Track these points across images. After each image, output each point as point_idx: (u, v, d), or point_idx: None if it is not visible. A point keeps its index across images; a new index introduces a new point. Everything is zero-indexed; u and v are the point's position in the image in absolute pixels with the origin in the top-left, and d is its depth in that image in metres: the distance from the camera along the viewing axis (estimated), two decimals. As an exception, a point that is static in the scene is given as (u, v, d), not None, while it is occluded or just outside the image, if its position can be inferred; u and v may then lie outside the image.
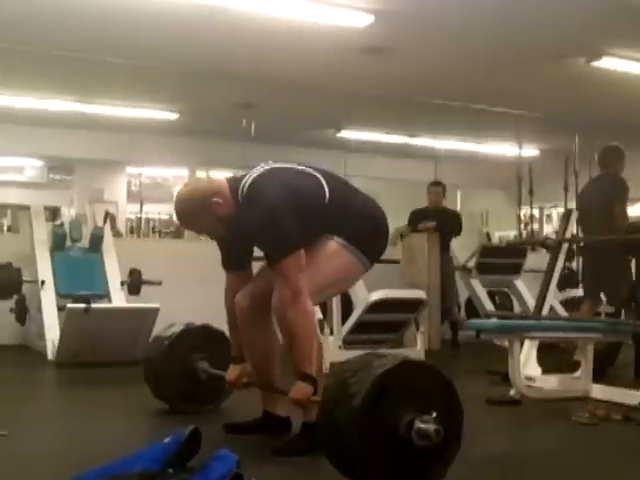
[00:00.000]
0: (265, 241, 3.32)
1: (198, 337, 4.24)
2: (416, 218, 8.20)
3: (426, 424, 2.67)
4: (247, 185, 3.33)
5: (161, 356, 4.17)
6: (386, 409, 2.69)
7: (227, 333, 3.88)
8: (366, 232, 3.50)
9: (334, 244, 3.42)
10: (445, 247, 7.97)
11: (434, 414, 2.69)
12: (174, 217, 3.45)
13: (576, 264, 8.50)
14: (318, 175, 3.47)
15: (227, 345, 3.88)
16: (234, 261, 3.66)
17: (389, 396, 2.70)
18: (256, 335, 3.59)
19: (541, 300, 5.79)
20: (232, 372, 3.73)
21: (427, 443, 2.67)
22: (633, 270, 5.71)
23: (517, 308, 8.32)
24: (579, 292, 8.14)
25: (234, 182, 3.39)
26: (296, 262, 3.23)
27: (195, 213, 3.38)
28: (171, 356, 4.14)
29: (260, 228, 3.26)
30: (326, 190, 3.41)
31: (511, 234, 12.09)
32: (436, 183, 8.33)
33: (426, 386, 2.81)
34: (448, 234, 8.07)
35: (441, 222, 7.97)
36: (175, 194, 3.51)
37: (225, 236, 3.56)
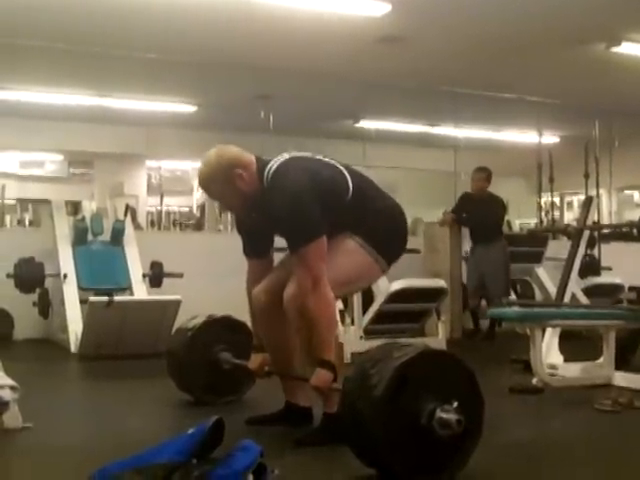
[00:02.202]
0: (288, 227, 3.29)
1: (220, 328, 4.25)
2: (463, 204, 8.03)
3: (447, 414, 2.68)
4: (272, 170, 3.33)
5: (184, 348, 4.19)
6: (407, 399, 2.69)
7: (249, 323, 3.89)
8: (385, 234, 3.49)
9: (352, 243, 3.41)
10: (492, 235, 7.78)
11: (455, 404, 2.69)
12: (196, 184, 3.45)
13: (597, 251, 8.48)
14: (342, 168, 3.47)
15: (249, 336, 3.89)
16: (255, 248, 3.66)
17: (410, 386, 2.70)
18: (275, 329, 3.59)
19: (562, 288, 5.78)
20: (254, 361, 3.73)
21: (449, 432, 2.68)
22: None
23: (538, 296, 8.28)
24: (600, 279, 8.14)
25: (261, 164, 3.39)
26: (318, 249, 3.23)
27: (217, 178, 3.37)
28: (194, 348, 4.15)
29: (284, 213, 3.25)
30: (350, 183, 3.41)
31: (532, 222, 12.04)
32: (480, 169, 7.97)
33: (447, 375, 2.81)
34: (495, 222, 7.91)
35: (486, 210, 7.80)
36: (204, 156, 3.48)
37: (246, 221, 3.57)
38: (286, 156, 3.42)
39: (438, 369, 2.81)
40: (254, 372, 3.78)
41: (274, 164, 3.35)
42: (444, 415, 2.68)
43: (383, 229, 3.48)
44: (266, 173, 3.34)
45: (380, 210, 3.50)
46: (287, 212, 3.24)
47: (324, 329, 3.24)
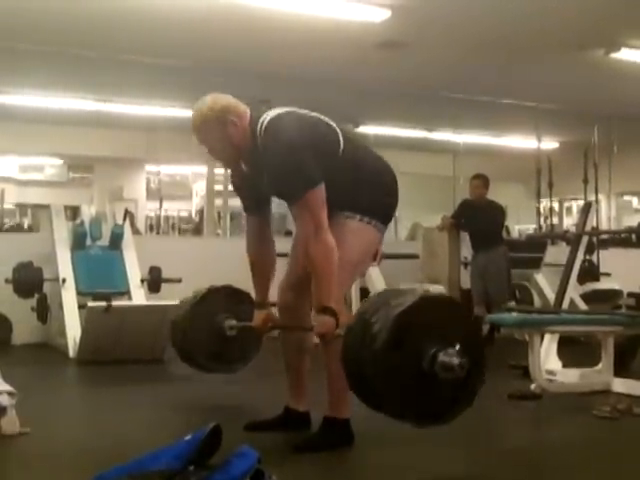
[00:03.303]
0: (286, 177, 3.24)
1: (223, 297, 4.22)
2: (462, 210, 8.04)
3: (449, 357, 2.70)
4: (266, 121, 3.31)
5: (187, 317, 4.17)
6: (409, 346, 2.71)
7: (252, 294, 3.87)
8: (378, 199, 3.48)
9: (354, 223, 3.40)
10: (492, 242, 7.78)
11: (457, 347, 2.71)
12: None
13: (596, 257, 8.48)
14: (333, 124, 3.48)
15: (252, 305, 3.86)
16: (253, 203, 3.64)
17: (411, 333, 2.72)
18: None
19: (561, 294, 5.77)
20: (258, 318, 3.70)
21: (452, 376, 2.70)
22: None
23: (537, 302, 8.28)
24: (599, 285, 8.13)
25: (254, 116, 3.37)
26: (318, 196, 3.22)
27: (209, 122, 3.36)
28: (197, 316, 4.13)
29: (280, 163, 3.22)
30: (341, 138, 3.42)
31: (531, 227, 12.04)
32: (477, 176, 7.98)
33: (447, 320, 2.83)
34: (496, 228, 7.92)
35: (486, 216, 7.81)
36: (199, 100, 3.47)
37: (241, 177, 3.58)
38: (278, 110, 3.39)
39: (438, 314, 2.83)
40: (258, 329, 3.74)
41: (267, 117, 3.33)
42: (446, 359, 2.70)
43: (376, 195, 3.47)
44: (259, 126, 3.31)
45: (370, 173, 3.48)
46: (284, 161, 3.21)
47: (326, 276, 3.21)
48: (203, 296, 4.21)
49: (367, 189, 3.45)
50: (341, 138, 3.42)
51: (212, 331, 4.10)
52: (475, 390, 2.84)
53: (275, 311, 3.72)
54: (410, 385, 2.72)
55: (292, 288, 3.63)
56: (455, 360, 2.69)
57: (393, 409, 2.74)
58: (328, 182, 3.26)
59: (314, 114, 3.50)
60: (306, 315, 3.57)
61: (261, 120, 3.32)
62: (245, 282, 3.87)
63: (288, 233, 8.49)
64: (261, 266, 3.67)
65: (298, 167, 3.21)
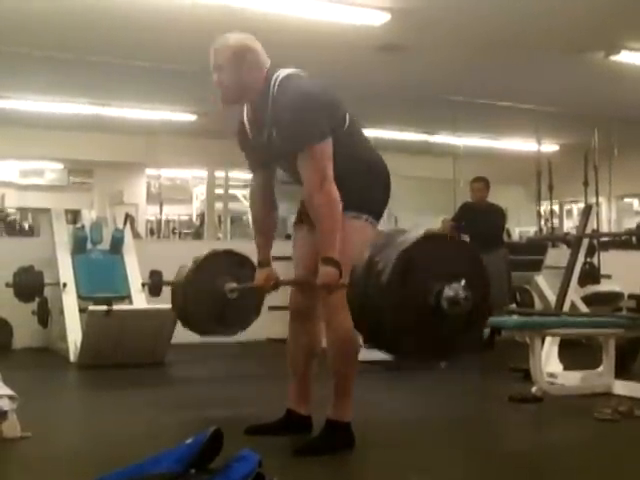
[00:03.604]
0: (299, 125, 3.26)
1: (224, 261, 4.21)
2: (463, 213, 8.02)
3: (455, 291, 2.71)
4: (282, 75, 3.36)
5: (188, 280, 4.16)
6: (414, 282, 2.72)
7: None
8: (371, 192, 3.48)
9: (354, 222, 3.38)
10: (493, 244, 7.78)
11: (463, 282, 2.73)
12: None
13: (597, 259, 8.48)
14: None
15: (252, 269, 3.87)
16: (260, 160, 3.63)
17: (416, 269, 2.73)
18: (303, 331, 3.64)
19: (562, 296, 5.78)
20: (260, 276, 3.68)
21: (457, 310, 2.72)
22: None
23: (538, 304, 8.28)
24: (600, 287, 8.12)
25: (270, 70, 3.41)
26: (326, 149, 3.25)
27: (229, 52, 3.43)
28: (198, 279, 4.12)
29: (295, 111, 3.24)
30: (347, 115, 3.45)
31: (531, 230, 12.04)
32: (478, 179, 7.99)
33: (451, 256, 2.85)
34: (496, 231, 7.92)
35: (487, 219, 7.82)
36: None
37: (247, 138, 3.59)
38: (291, 69, 3.44)
39: (442, 251, 2.85)
40: (260, 287, 3.71)
41: (281, 73, 3.38)
42: (452, 292, 2.71)
43: (371, 192, 3.48)
44: (272, 81, 3.35)
45: (366, 166, 3.48)
46: (299, 109, 3.25)
47: (330, 226, 3.22)
48: (204, 259, 4.21)
49: (363, 183, 3.45)
50: (347, 115, 3.47)
51: (212, 294, 4.07)
52: (482, 325, 2.89)
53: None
54: (417, 320, 2.73)
55: (300, 291, 3.63)
56: (461, 293, 2.70)
57: (400, 345, 2.75)
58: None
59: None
60: (318, 318, 3.57)
61: (275, 76, 3.37)
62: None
63: (288, 236, 8.48)
64: (264, 223, 3.69)
65: (312, 117, 3.25)
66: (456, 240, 2.96)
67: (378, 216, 3.53)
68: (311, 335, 3.65)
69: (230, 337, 4.54)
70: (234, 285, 4.04)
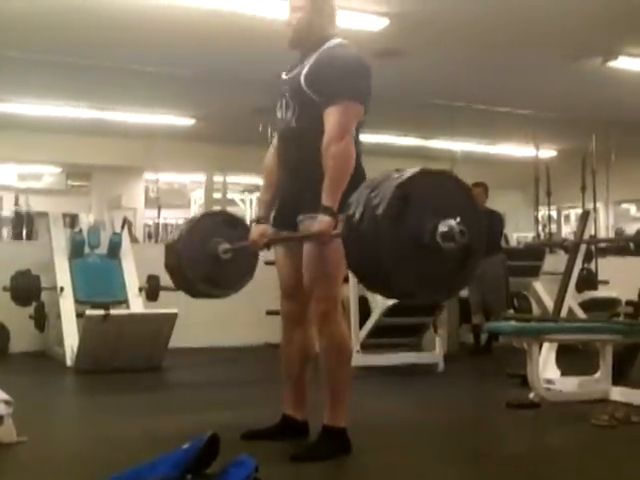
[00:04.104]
0: (347, 75, 3.33)
1: (219, 222, 4.18)
2: None
3: (449, 226, 2.73)
4: (338, 41, 3.47)
5: (182, 240, 4.12)
6: (410, 216, 2.74)
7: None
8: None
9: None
10: (490, 249, 7.73)
11: (458, 218, 2.74)
12: None
13: (594, 265, 8.48)
14: None
15: (246, 231, 3.88)
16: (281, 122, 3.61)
17: (412, 204, 2.74)
18: (296, 336, 3.64)
19: (560, 302, 5.77)
20: (255, 232, 3.68)
21: (452, 245, 2.73)
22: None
23: (536, 310, 8.28)
24: (597, 293, 8.12)
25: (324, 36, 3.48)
26: (359, 112, 3.35)
27: None
28: (192, 239, 4.09)
29: (348, 63, 3.36)
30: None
31: (529, 236, 12.04)
32: (477, 184, 8.00)
33: (447, 193, 2.86)
34: (495, 236, 7.92)
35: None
36: None
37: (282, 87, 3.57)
38: None
39: (438, 187, 2.87)
40: (253, 243, 3.69)
41: (335, 40, 3.47)
42: (447, 228, 2.73)
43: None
44: (334, 39, 3.47)
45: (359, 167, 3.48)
46: (352, 63, 3.37)
47: (337, 177, 3.23)
48: (198, 220, 4.21)
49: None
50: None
51: (206, 254, 4.05)
52: (476, 262, 2.89)
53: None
54: (412, 256, 2.74)
55: (289, 297, 3.63)
56: (456, 229, 2.72)
57: (395, 281, 2.74)
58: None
59: None
60: (309, 322, 3.57)
61: (336, 38, 3.48)
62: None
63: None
64: (272, 177, 3.67)
65: (361, 76, 3.37)
66: (452, 177, 2.95)
67: None
68: (304, 339, 3.65)
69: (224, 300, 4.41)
70: (227, 246, 4.03)
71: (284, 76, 3.58)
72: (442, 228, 2.72)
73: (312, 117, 3.32)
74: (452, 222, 2.73)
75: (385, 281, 2.77)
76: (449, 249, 2.73)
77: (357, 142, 3.49)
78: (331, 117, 3.27)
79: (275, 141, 3.68)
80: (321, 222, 3.19)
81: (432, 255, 2.74)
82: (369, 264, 2.78)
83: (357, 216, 2.76)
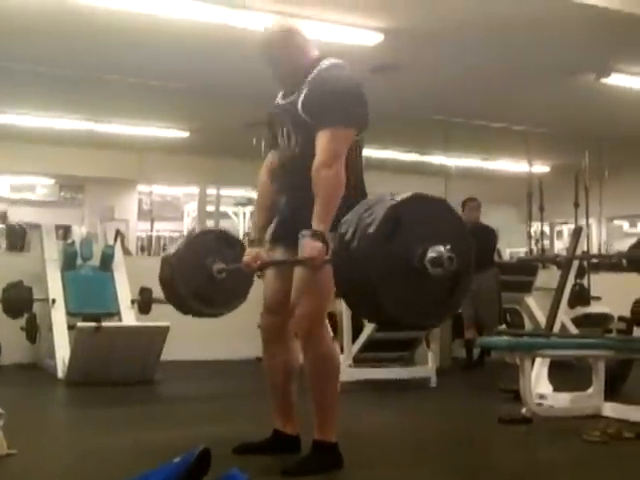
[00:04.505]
0: (338, 99, 3.30)
1: (216, 241, 4.17)
2: None
3: (439, 252, 2.73)
4: (330, 62, 3.43)
5: (178, 255, 4.12)
6: (400, 239, 2.74)
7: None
8: None
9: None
10: (484, 264, 7.77)
11: (448, 246, 2.75)
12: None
13: (587, 281, 8.49)
14: None
15: (243, 251, 3.84)
16: (275, 140, 3.62)
17: (403, 227, 2.74)
18: (278, 350, 3.62)
19: (552, 317, 5.77)
20: (248, 254, 3.64)
21: (440, 272, 2.73)
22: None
23: (528, 325, 8.28)
24: (590, 309, 8.12)
25: (313, 59, 3.47)
26: (349, 138, 3.33)
27: (281, 38, 3.53)
28: (188, 255, 4.08)
29: (340, 86, 3.32)
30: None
31: (522, 251, 12.05)
32: (471, 199, 8.08)
33: (439, 219, 2.87)
34: (488, 251, 7.94)
35: (479, 239, 7.82)
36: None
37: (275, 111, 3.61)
38: None
39: (430, 212, 2.87)
40: (247, 265, 3.65)
41: (327, 61, 3.44)
42: (436, 254, 2.73)
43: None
44: (326, 61, 3.43)
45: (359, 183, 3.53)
46: (344, 87, 3.34)
47: (327, 202, 3.22)
48: (196, 236, 4.20)
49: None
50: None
51: (200, 272, 4.04)
52: (463, 290, 2.89)
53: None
54: (401, 279, 2.73)
55: (271, 312, 3.60)
56: (445, 255, 2.72)
57: (383, 305, 2.73)
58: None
59: None
60: (290, 334, 3.55)
61: (327, 60, 3.44)
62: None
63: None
64: (266, 199, 3.67)
65: (352, 98, 3.34)
66: (444, 203, 2.96)
67: None
68: (287, 353, 3.62)
69: (218, 316, 4.42)
70: (222, 265, 4.02)
71: (280, 100, 3.59)
72: (431, 254, 2.72)
73: (314, 142, 3.31)
74: (442, 248, 2.73)
75: (372, 303, 2.76)
76: (437, 275, 2.73)
77: (358, 161, 3.51)
78: (321, 142, 3.27)
79: (268, 162, 3.69)
80: (312, 248, 3.17)
81: (420, 280, 2.74)
82: (357, 284, 2.77)
83: (349, 235, 2.76)
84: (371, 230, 2.69)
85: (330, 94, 3.31)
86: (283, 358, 3.64)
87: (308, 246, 3.18)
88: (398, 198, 2.80)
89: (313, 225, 3.20)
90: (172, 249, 4.26)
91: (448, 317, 2.86)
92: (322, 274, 3.22)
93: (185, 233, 14.66)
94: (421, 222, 2.81)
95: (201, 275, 4.05)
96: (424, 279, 2.74)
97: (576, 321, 7.52)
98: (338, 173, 3.25)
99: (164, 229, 14.70)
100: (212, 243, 4.16)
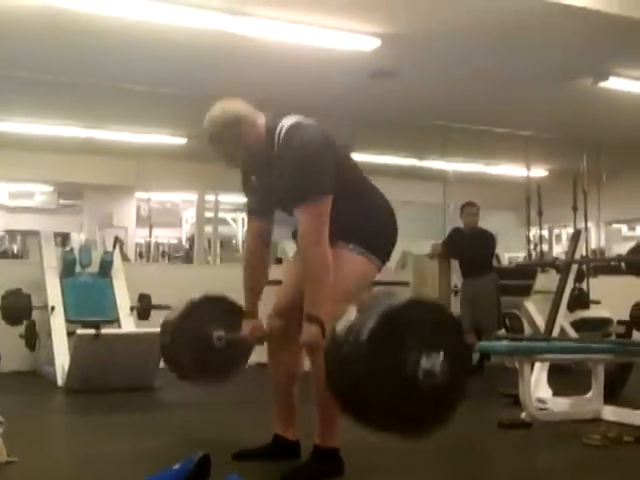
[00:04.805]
0: (304, 177, 3.27)
1: (214, 308, 4.15)
2: (452, 239, 8.11)
3: (432, 362, 2.67)
4: (287, 126, 3.35)
5: (176, 323, 4.10)
6: (393, 345, 2.68)
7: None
8: (376, 232, 3.51)
9: (348, 253, 3.40)
10: (482, 269, 7.83)
11: (441, 354, 2.69)
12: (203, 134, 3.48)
13: (586, 285, 8.49)
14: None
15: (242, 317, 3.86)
16: (259, 206, 3.63)
17: (396, 332, 2.69)
18: (284, 356, 3.62)
19: (551, 321, 5.78)
20: (246, 327, 3.67)
21: (432, 382, 2.67)
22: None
23: (527, 330, 8.28)
24: (589, 313, 8.12)
25: (272, 119, 3.41)
26: (327, 206, 3.25)
27: (223, 134, 3.38)
28: (186, 323, 4.07)
29: (301, 165, 3.26)
30: (352, 161, 3.51)
31: (520, 255, 12.06)
32: (470, 203, 8.10)
33: (434, 324, 2.80)
34: (487, 256, 7.96)
35: (478, 244, 7.86)
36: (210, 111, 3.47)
37: (251, 180, 3.58)
38: (294, 117, 3.43)
39: (425, 317, 2.80)
40: (246, 338, 3.70)
41: (285, 123, 3.37)
42: (429, 364, 2.67)
43: (374, 228, 3.50)
44: (277, 132, 3.35)
45: (371, 209, 3.51)
46: (305, 164, 3.26)
47: (319, 285, 3.22)
48: (194, 305, 4.17)
49: (365, 221, 3.48)
50: (352, 159, 3.56)
51: (200, 341, 4.03)
52: (456, 402, 2.82)
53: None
54: (391, 386, 2.68)
55: (280, 315, 3.62)
56: (437, 366, 2.67)
57: (370, 412, 2.70)
58: (333, 205, 3.29)
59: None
60: (295, 341, 3.55)
61: (279, 126, 3.37)
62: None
63: (279, 260, 8.48)
64: (254, 272, 3.66)
65: (318, 171, 3.27)
66: (441, 308, 2.91)
67: (384, 256, 3.54)
68: (291, 357, 3.63)
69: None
70: (222, 334, 4.02)
71: (255, 180, 3.57)
72: (425, 364, 2.67)
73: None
74: (435, 358, 2.68)
75: (360, 410, 2.73)
76: (429, 385, 2.68)
77: (361, 177, 3.54)
78: (302, 219, 3.27)
79: (254, 229, 3.66)
80: (309, 333, 3.19)
81: (411, 389, 2.69)
82: (346, 388, 2.74)
83: (341, 336, 2.72)
84: (363, 337, 2.64)
85: (297, 174, 3.28)
86: (287, 362, 3.64)
87: (305, 332, 3.20)
88: (393, 303, 2.75)
89: (307, 309, 3.22)
90: (172, 314, 4.23)
91: (437, 429, 2.78)
92: (337, 282, 3.23)
93: (184, 239, 14.74)
94: (415, 327, 2.74)
95: (201, 344, 4.04)
96: (416, 388, 2.68)
97: (575, 325, 7.51)
98: (324, 251, 3.24)
99: (163, 235, 14.71)
100: (211, 310, 4.15)
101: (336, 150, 3.42)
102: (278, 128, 3.36)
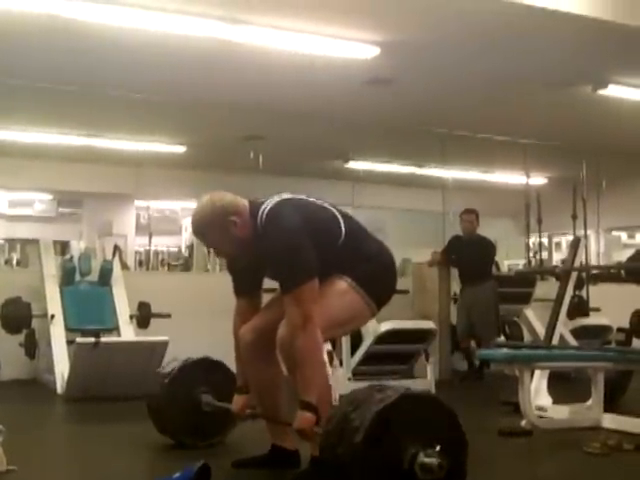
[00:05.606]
0: (282, 268, 3.29)
1: (199, 370, 4.21)
2: (451, 246, 8.12)
3: (429, 458, 2.63)
4: (266, 211, 3.34)
5: (163, 391, 4.15)
6: (389, 443, 2.64)
7: (228, 364, 3.85)
8: (375, 277, 3.49)
9: (344, 284, 3.41)
10: (481, 276, 7.84)
11: (438, 447, 2.65)
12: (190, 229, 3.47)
13: (586, 292, 8.49)
14: (335, 211, 3.51)
15: (228, 374, 3.91)
16: (245, 287, 3.65)
17: (391, 430, 2.65)
18: (261, 369, 3.60)
19: (551, 329, 5.77)
20: (237, 402, 3.70)
21: (431, 477, 2.63)
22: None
23: (527, 337, 8.28)
24: (589, 321, 8.12)
25: (254, 207, 3.39)
26: (311, 290, 3.23)
27: (212, 227, 3.37)
28: (173, 390, 4.12)
29: (278, 254, 3.26)
30: (342, 226, 3.44)
31: (520, 263, 12.05)
32: (468, 210, 8.11)
33: (429, 418, 2.77)
34: (485, 263, 7.97)
35: (476, 251, 7.87)
36: (198, 202, 3.47)
37: (238, 261, 3.57)
38: (279, 197, 3.43)
39: (420, 412, 2.76)
40: (236, 414, 3.74)
41: (267, 206, 3.36)
42: (426, 459, 2.63)
43: (373, 273, 3.49)
44: (260, 215, 3.34)
45: (371, 255, 3.51)
46: (281, 253, 3.25)
47: (309, 370, 3.22)
48: (179, 371, 4.19)
49: (366, 266, 3.47)
50: (343, 225, 3.46)
51: (188, 406, 4.08)
52: None
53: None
54: None
55: (255, 331, 3.59)
56: (435, 461, 2.62)
57: None
58: (327, 260, 3.31)
59: (317, 201, 3.54)
60: (273, 347, 3.49)
61: (262, 208, 3.36)
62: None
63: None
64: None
65: (295, 257, 3.25)
66: (435, 400, 2.89)
67: (379, 301, 3.53)
68: (270, 366, 3.59)
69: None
70: (210, 399, 4.05)
71: (243, 260, 3.56)
72: (421, 459, 2.63)
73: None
74: (432, 454, 2.64)
75: None
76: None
77: (359, 239, 3.53)
78: (288, 306, 3.26)
79: (241, 310, 3.67)
80: (302, 420, 3.17)
81: None
82: None
83: (334, 438, 2.70)
84: (358, 439, 2.60)
85: (275, 266, 3.33)
86: (270, 371, 3.62)
87: (298, 419, 3.18)
88: (387, 400, 2.70)
89: (301, 395, 3.21)
90: (156, 384, 4.25)
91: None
92: (323, 309, 3.26)
93: (184, 247, 14.74)
94: (410, 423, 2.71)
95: (189, 409, 4.07)
96: None
97: (575, 332, 7.51)
98: (312, 336, 3.22)
99: (162, 243, 14.69)
100: (196, 373, 4.18)
101: (324, 222, 3.43)
102: (261, 210, 3.36)
